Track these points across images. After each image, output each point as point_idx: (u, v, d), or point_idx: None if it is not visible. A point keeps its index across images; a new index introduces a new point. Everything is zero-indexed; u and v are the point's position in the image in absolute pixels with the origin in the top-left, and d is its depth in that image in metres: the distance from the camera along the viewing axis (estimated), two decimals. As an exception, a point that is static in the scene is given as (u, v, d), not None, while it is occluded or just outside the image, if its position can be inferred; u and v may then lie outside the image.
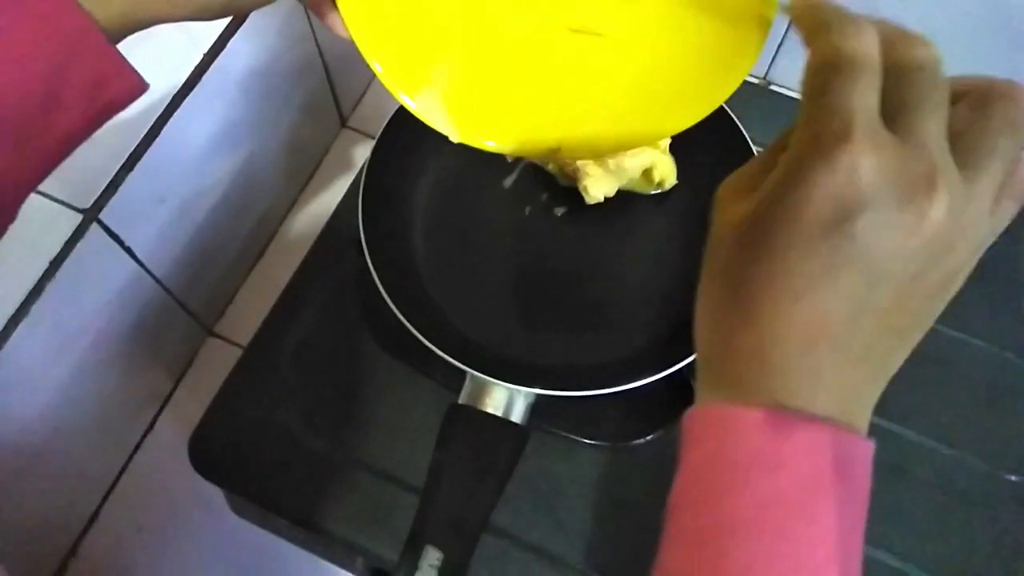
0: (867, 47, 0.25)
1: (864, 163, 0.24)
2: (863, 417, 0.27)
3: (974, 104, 0.26)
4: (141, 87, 0.30)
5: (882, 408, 0.49)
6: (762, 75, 0.75)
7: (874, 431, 0.50)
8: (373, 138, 0.71)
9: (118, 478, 0.60)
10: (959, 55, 0.62)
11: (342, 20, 0.34)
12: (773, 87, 0.75)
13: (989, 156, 0.25)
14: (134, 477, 0.60)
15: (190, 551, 0.58)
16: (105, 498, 0.59)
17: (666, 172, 0.51)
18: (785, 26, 0.67)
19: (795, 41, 0.77)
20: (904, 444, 0.50)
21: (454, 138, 0.36)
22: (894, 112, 0.25)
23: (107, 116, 0.30)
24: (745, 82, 0.64)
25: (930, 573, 0.47)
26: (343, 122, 0.73)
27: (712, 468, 0.27)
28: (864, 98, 0.24)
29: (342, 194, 0.69)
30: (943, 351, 0.52)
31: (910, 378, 0.50)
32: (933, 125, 0.25)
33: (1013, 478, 0.49)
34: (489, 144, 0.37)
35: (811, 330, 0.26)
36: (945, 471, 0.49)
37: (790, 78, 0.74)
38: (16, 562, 0.54)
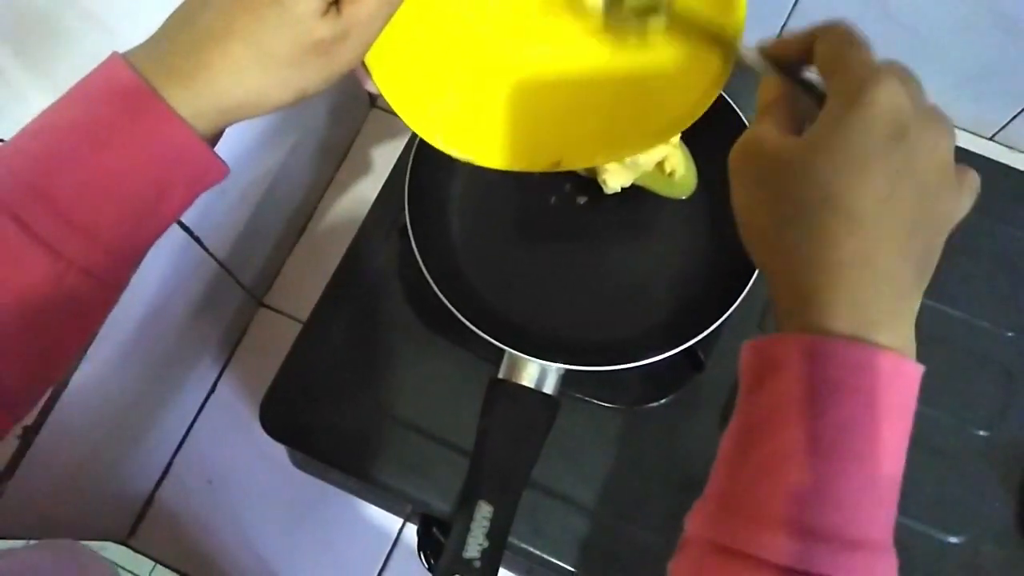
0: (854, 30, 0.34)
1: (903, 90, 0.30)
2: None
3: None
4: (225, 173, 0.36)
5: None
6: (767, 52, 0.79)
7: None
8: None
9: (186, 435, 0.67)
10: (951, 39, 0.67)
11: (372, 80, 0.40)
12: (778, 62, 0.79)
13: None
14: (200, 434, 0.67)
15: (254, 500, 0.65)
16: (176, 453, 0.67)
17: (676, 163, 0.56)
18: (790, 6, 0.71)
19: (800, 21, 0.82)
20: (887, 404, 0.56)
21: (477, 162, 0.43)
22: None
23: (199, 194, 0.36)
24: (749, 76, 0.71)
25: (907, 517, 0.53)
26: (372, 103, 0.77)
27: (801, 391, 0.30)
28: (874, 58, 0.32)
29: (374, 171, 0.74)
30: (923, 322, 0.58)
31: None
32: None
33: (982, 433, 0.56)
34: (500, 164, 0.43)
35: (895, 235, 0.30)
36: (921, 427, 0.56)
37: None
38: (101, 508, 0.62)
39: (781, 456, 0.30)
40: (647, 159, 0.54)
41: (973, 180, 0.33)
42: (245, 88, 0.33)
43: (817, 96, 0.33)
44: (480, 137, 0.42)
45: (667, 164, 0.56)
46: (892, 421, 0.31)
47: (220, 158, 0.35)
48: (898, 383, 0.31)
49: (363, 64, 0.39)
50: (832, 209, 0.30)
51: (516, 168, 0.43)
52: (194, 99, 0.33)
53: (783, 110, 0.34)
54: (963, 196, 0.33)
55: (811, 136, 0.31)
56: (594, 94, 0.42)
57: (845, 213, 0.30)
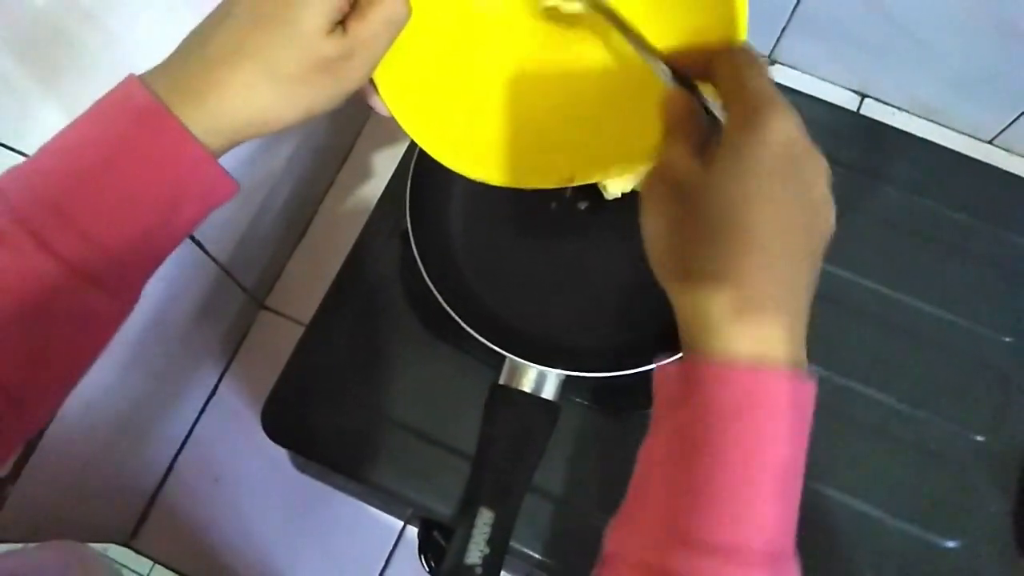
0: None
1: (795, 120, 0.32)
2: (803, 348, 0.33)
3: None
4: (235, 190, 0.37)
5: (866, 377, 0.56)
6: (767, 54, 0.79)
7: (859, 397, 0.57)
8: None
9: (188, 437, 0.67)
10: (950, 42, 0.67)
11: (383, 102, 0.41)
12: (778, 64, 0.80)
13: None
14: (202, 436, 0.67)
15: (255, 501, 0.65)
16: (178, 454, 0.67)
17: None
18: (792, 7, 0.71)
19: (803, 20, 0.83)
20: (884, 408, 0.56)
21: (488, 181, 0.43)
22: None
23: (211, 211, 0.37)
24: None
25: (904, 521, 0.54)
26: (374, 104, 0.77)
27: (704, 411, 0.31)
28: (773, 86, 0.34)
29: (375, 173, 0.75)
30: (922, 327, 0.59)
31: (892, 351, 0.57)
32: None
33: (979, 438, 0.56)
34: (511, 182, 0.43)
35: (796, 254, 0.32)
36: (920, 432, 0.56)
37: (795, 57, 0.78)
38: (103, 510, 0.62)
39: (709, 483, 0.31)
40: (648, 165, 0.54)
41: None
42: (255, 106, 0.34)
43: (711, 117, 0.35)
44: (490, 155, 0.42)
45: None
46: (803, 438, 0.32)
47: (230, 176, 0.36)
48: (802, 398, 0.32)
49: (371, 83, 0.39)
50: (736, 235, 0.31)
51: (528, 186, 0.43)
52: (206, 118, 0.33)
53: (690, 131, 0.35)
54: (832, 216, 0.34)
55: (716, 163, 0.33)
56: (600, 106, 0.42)
57: (748, 239, 0.31)
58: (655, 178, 0.35)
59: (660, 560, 0.31)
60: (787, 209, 0.31)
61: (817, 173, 0.33)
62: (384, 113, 0.41)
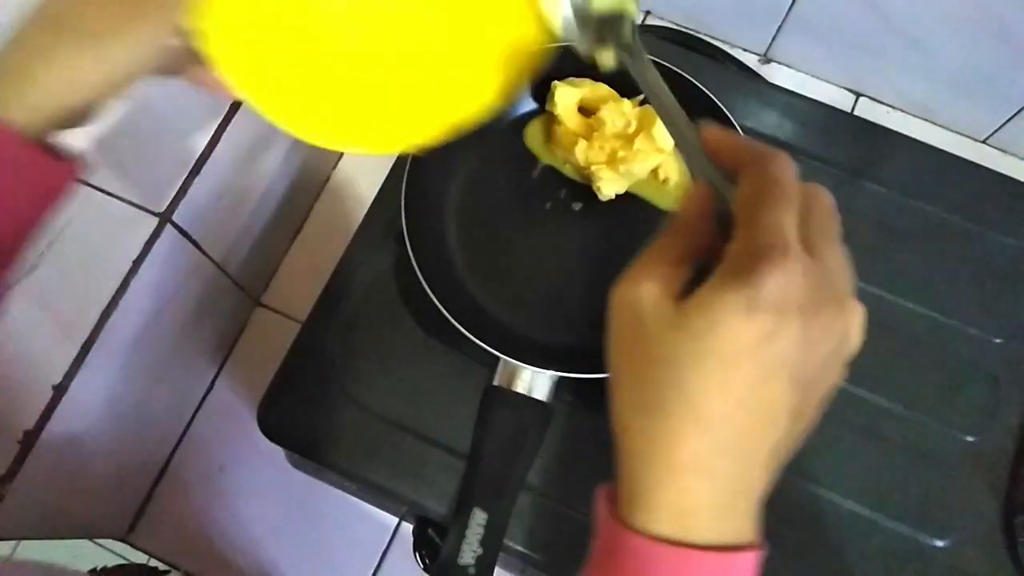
0: (794, 179, 0.29)
1: (798, 275, 0.26)
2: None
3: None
4: (73, 171, 0.34)
5: (858, 378, 0.57)
6: (762, 52, 0.79)
7: (851, 398, 0.57)
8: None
9: (184, 433, 0.68)
10: (945, 42, 0.68)
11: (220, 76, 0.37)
12: (774, 63, 0.80)
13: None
14: (198, 432, 0.68)
15: (251, 497, 0.66)
16: (174, 451, 0.67)
17: (670, 171, 0.56)
18: (787, 6, 0.71)
19: (797, 19, 0.83)
20: (875, 409, 0.57)
21: (332, 147, 0.40)
22: (812, 238, 0.28)
23: (47, 206, 0.34)
24: (739, 75, 0.72)
25: (894, 520, 0.55)
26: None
27: None
28: (793, 222, 0.27)
29: (369, 169, 0.74)
30: (913, 328, 0.59)
31: (883, 352, 0.57)
32: (840, 253, 0.29)
33: (969, 438, 0.57)
34: (356, 146, 0.40)
35: (751, 433, 0.27)
36: (910, 432, 0.57)
37: (790, 55, 0.78)
38: (100, 507, 0.62)
39: None
40: (641, 167, 0.54)
41: (858, 325, 0.29)
42: (58, 72, 0.32)
43: (722, 232, 0.29)
44: (329, 119, 0.39)
45: (661, 172, 0.56)
46: None
47: (56, 153, 0.34)
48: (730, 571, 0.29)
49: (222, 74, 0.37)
50: (681, 405, 0.27)
51: (375, 151, 0.41)
52: (19, 96, 0.32)
53: (676, 255, 0.30)
54: (847, 352, 0.29)
55: (684, 312, 0.27)
56: (432, 61, 0.39)
57: (694, 413, 0.27)
58: (621, 305, 0.30)
59: None
60: (752, 386, 0.27)
61: (820, 335, 0.27)
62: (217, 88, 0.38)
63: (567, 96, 0.57)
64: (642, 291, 0.29)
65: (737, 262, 0.27)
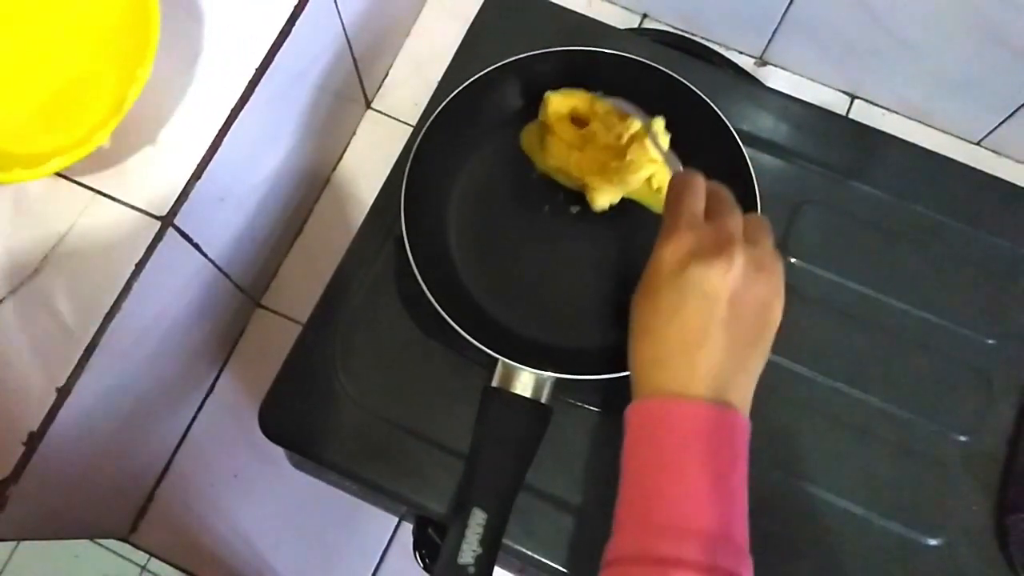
0: (701, 181, 0.47)
1: (687, 235, 0.43)
2: (738, 398, 0.42)
3: (753, 219, 0.46)
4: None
5: (851, 378, 0.57)
6: (758, 55, 0.80)
7: (844, 398, 0.58)
8: (395, 118, 0.77)
9: (185, 434, 0.68)
10: (939, 45, 0.68)
11: None
12: (770, 65, 0.80)
13: (764, 241, 0.45)
14: (199, 433, 0.69)
15: (252, 497, 0.67)
16: (175, 452, 0.68)
17: (663, 180, 0.57)
18: (783, 10, 0.72)
19: (793, 23, 0.85)
20: (868, 409, 0.57)
21: None
22: (713, 215, 0.45)
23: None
24: (734, 79, 0.72)
25: (887, 519, 0.55)
26: (368, 104, 0.78)
27: (641, 435, 0.43)
28: (693, 205, 0.45)
29: (369, 171, 0.75)
30: (906, 329, 0.60)
31: (876, 352, 0.58)
32: (733, 220, 0.44)
33: (962, 438, 0.57)
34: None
35: (685, 336, 0.42)
36: (903, 432, 0.57)
37: (786, 58, 0.79)
38: (102, 508, 0.63)
39: (681, 489, 0.40)
40: (635, 177, 0.55)
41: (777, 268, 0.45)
42: None
43: None
44: None
45: (654, 181, 0.57)
46: (721, 453, 0.41)
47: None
48: (717, 422, 0.42)
49: None
50: (639, 326, 0.45)
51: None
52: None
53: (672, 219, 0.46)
54: (774, 288, 0.44)
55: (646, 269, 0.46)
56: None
57: (645, 329, 0.44)
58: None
59: (637, 550, 0.40)
60: (673, 305, 0.43)
61: (719, 273, 0.42)
62: None
63: (559, 106, 0.58)
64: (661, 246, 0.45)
65: (659, 236, 0.45)
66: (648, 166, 0.54)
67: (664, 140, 0.54)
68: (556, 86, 0.59)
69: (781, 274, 0.45)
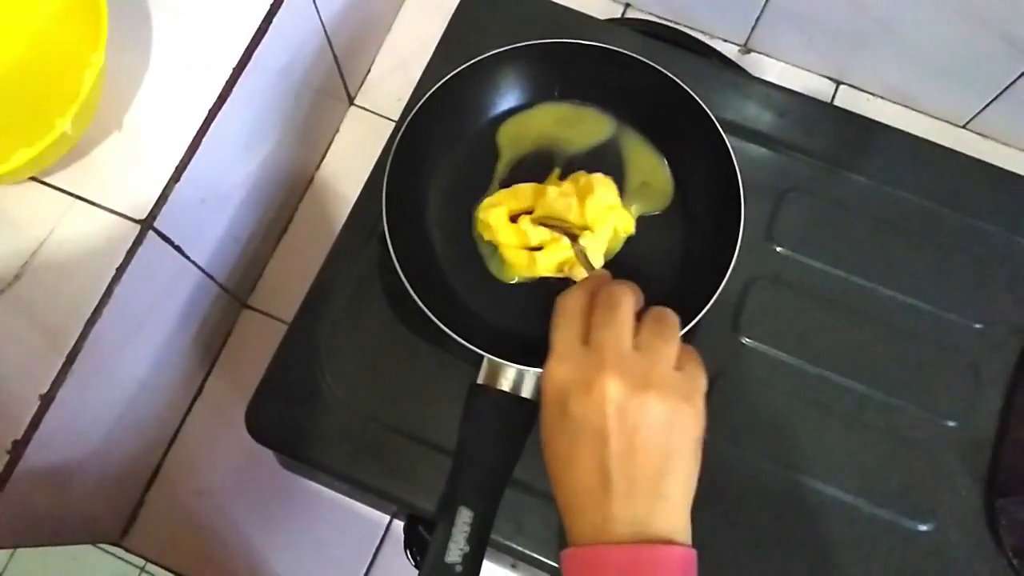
0: (581, 303, 0.43)
1: (559, 368, 0.41)
2: (666, 526, 0.39)
3: (648, 321, 0.42)
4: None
5: (840, 366, 0.57)
6: (742, 42, 0.80)
7: (832, 386, 0.58)
8: (378, 114, 0.77)
9: (175, 437, 0.68)
10: (923, 29, 0.68)
11: None
12: (754, 53, 0.80)
13: (660, 346, 0.41)
14: (189, 436, 0.68)
15: (242, 499, 0.66)
16: (165, 455, 0.68)
17: (626, 220, 0.56)
18: (761, 5, 0.72)
19: (777, 9, 0.84)
20: (857, 396, 0.57)
21: None
22: (590, 334, 0.41)
23: None
24: (718, 68, 0.72)
25: (877, 506, 0.55)
26: (351, 101, 0.77)
27: None
28: (570, 331, 0.42)
29: (352, 168, 0.75)
30: (894, 316, 0.60)
31: (864, 340, 0.58)
32: (610, 336, 0.40)
33: (950, 423, 0.57)
34: None
35: (585, 482, 0.39)
36: (892, 419, 0.57)
37: (770, 45, 0.79)
38: (92, 513, 0.63)
39: None
40: (602, 228, 0.55)
41: (696, 365, 0.42)
42: None
43: None
44: None
45: (619, 227, 0.56)
46: None
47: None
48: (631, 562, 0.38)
49: None
50: (548, 470, 0.42)
51: None
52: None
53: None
54: (670, 406, 0.40)
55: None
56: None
57: (551, 476, 0.42)
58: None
59: None
60: (567, 445, 0.40)
61: (600, 401, 0.39)
62: None
63: (496, 217, 0.56)
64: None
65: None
66: (607, 212, 0.55)
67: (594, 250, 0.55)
68: (531, 88, 0.59)
69: (683, 383, 0.40)
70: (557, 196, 0.55)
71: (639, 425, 0.39)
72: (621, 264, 0.57)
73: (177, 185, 0.53)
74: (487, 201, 0.58)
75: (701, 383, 0.41)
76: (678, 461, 0.39)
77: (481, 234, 0.58)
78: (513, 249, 0.56)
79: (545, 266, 0.55)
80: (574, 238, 0.53)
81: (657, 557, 0.38)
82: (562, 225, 0.54)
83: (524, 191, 0.57)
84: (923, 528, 0.55)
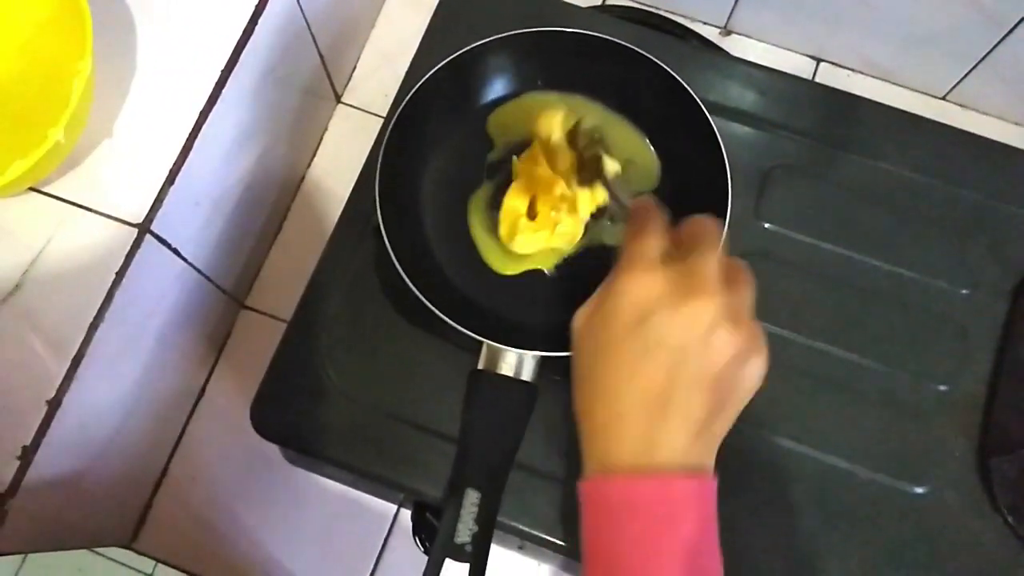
0: (661, 219, 0.42)
1: (643, 280, 0.38)
2: (701, 460, 0.38)
3: (735, 262, 0.40)
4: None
5: (832, 336, 0.59)
6: (722, 24, 0.81)
7: (825, 355, 0.59)
8: (366, 111, 0.77)
9: (180, 439, 0.69)
10: (900, 5, 0.69)
11: None
12: (735, 34, 0.81)
13: (743, 290, 0.39)
14: (193, 437, 0.69)
15: (250, 496, 0.67)
16: (171, 457, 0.68)
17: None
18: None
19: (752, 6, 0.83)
20: (850, 365, 0.58)
21: None
22: (685, 251, 0.39)
23: None
24: (700, 50, 0.72)
25: (873, 471, 0.56)
26: (338, 99, 0.78)
27: (601, 521, 0.40)
28: (653, 246, 0.40)
29: (344, 165, 0.75)
30: (882, 285, 0.61)
31: (855, 310, 0.59)
32: (706, 260, 0.38)
33: (941, 387, 0.59)
34: None
35: (646, 398, 0.37)
36: (885, 385, 0.58)
37: (750, 26, 0.80)
38: (102, 516, 0.63)
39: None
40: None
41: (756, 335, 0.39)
42: None
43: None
44: None
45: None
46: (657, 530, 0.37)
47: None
48: (660, 494, 0.37)
49: None
50: (590, 383, 0.40)
51: None
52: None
53: (652, 239, 0.41)
54: (754, 345, 0.38)
55: (584, 315, 0.41)
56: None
57: (598, 387, 0.39)
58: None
59: None
60: (633, 362, 0.37)
61: (687, 322, 0.37)
62: None
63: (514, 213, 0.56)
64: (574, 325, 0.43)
65: (608, 278, 0.41)
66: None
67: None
68: (520, 72, 0.59)
69: (761, 331, 0.39)
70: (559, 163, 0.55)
71: (722, 355, 0.37)
72: (619, 237, 0.58)
73: (171, 188, 0.53)
74: (505, 208, 0.57)
75: (764, 341, 0.40)
76: (733, 408, 0.39)
77: (477, 225, 0.59)
78: (532, 233, 0.56)
79: (570, 229, 0.56)
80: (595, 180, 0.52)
81: (702, 492, 0.37)
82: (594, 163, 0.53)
83: (523, 185, 0.58)
84: (919, 490, 0.56)
